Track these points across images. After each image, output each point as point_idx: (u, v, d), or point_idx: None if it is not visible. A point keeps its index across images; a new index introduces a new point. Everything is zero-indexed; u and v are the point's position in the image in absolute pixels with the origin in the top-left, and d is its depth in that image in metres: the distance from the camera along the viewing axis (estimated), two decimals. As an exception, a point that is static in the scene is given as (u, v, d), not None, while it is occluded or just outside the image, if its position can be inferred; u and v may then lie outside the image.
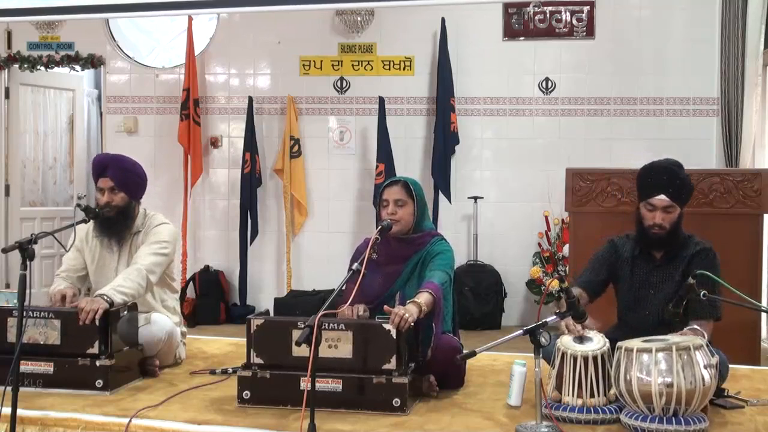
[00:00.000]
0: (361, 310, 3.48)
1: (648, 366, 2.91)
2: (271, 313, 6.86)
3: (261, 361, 3.29)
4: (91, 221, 3.85)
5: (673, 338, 3.03)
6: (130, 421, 3.09)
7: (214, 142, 7.63)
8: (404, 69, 7.41)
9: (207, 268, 7.47)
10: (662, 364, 2.89)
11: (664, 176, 3.37)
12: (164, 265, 3.86)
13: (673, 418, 2.88)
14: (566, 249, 6.28)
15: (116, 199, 3.81)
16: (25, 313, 3.07)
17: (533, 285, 7.04)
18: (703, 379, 2.87)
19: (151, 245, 3.81)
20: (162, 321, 3.86)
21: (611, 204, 4.96)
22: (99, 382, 3.44)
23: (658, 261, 3.46)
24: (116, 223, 3.83)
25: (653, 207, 3.37)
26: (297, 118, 7.43)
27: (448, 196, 7.16)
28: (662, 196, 3.36)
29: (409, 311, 3.19)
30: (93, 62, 7.72)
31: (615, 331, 3.48)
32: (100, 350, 3.46)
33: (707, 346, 2.99)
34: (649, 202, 3.37)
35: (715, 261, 3.39)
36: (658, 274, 3.45)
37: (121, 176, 3.82)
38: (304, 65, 7.51)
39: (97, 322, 3.42)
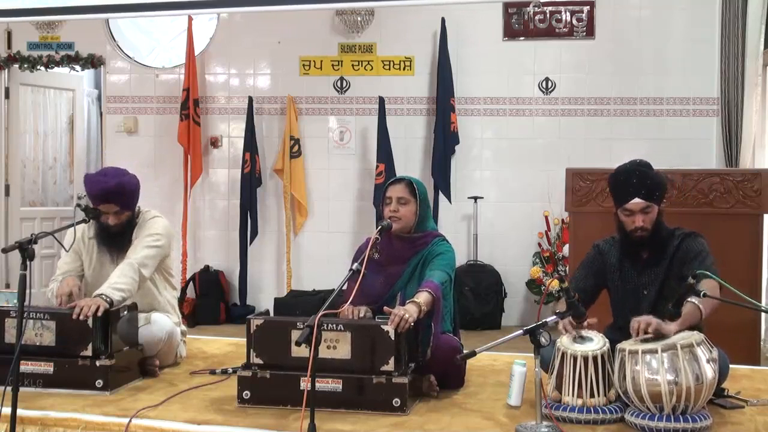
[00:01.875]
0: (363, 312, 3.48)
1: (655, 366, 2.93)
2: (271, 313, 6.86)
3: (261, 361, 3.29)
4: (86, 224, 3.85)
5: (674, 336, 3.04)
6: (130, 421, 3.09)
7: (214, 142, 7.63)
8: (404, 69, 7.41)
9: (207, 268, 7.47)
10: (668, 363, 2.92)
11: (633, 179, 3.34)
12: (158, 257, 3.85)
13: (681, 417, 2.91)
14: (566, 249, 6.28)
15: (122, 218, 3.81)
16: (25, 314, 3.07)
17: (533, 285, 7.04)
18: (707, 374, 2.92)
19: (144, 239, 3.81)
20: (162, 321, 3.86)
21: (611, 204, 4.90)
22: (99, 382, 3.44)
23: (645, 261, 3.44)
24: (123, 237, 3.84)
25: (630, 211, 3.35)
26: (297, 118, 7.43)
27: (448, 196, 7.16)
28: (637, 200, 3.33)
29: (408, 311, 3.19)
30: (93, 62, 7.72)
31: (611, 331, 3.47)
32: (94, 352, 3.45)
33: (706, 339, 3.02)
34: (626, 207, 3.35)
35: (699, 241, 3.37)
36: (647, 273, 3.44)
37: (124, 200, 3.80)
38: (304, 65, 7.51)
39: (89, 322, 3.42)
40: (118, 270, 3.70)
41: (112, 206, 3.78)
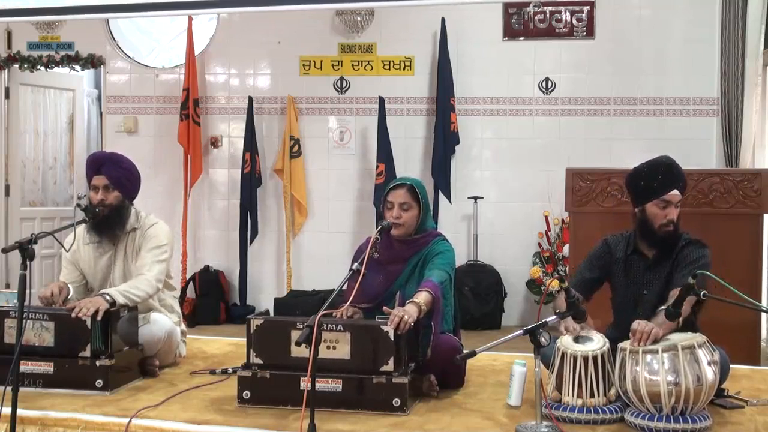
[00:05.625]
0: (351, 312, 3.48)
1: (655, 367, 2.93)
2: (271, 313, 6.86)
3: (261, 361, 3.29)
4: (82, 229, 3.84)
5: (675, 337, 3.04)
6: (130, 421, 3.09)
7: (214, 142, 7.63)
8: (404, 69, 7.41)
9: (207, 268, 7.47)
10: (668, 363, 2.91)
11: (673, 171, 3.40)
12: (166, 269, 3.88)
13: (680, 417, 2.91)
14: (566, 249, 6.27)
15: (110, 197, 3.79)
16: (24, 314, 3.07)
17: (533, 285, 7.04)
18: (707, 376, 2.92)
19: (152, 251, 3.81)
20: (162, 321, 3.86)
21: (611, 204, 4.96)
22: (99, 382, 3.44)
23: (651, 260, 3.46)
24: (110, 222, 3.80)
25: (667, 203, 3.37)
26: (297, 118, 7.42)
27: (448, 196, 7.16)
28: (675, 191, 3.38)
29: (408, 312, 3.19)
30: (93, 62, 7.72)
31: (612, 330, 3.48)
32: (93, 353, 3.45)
33: (708, 342, 3.02)
34: (664, 198, 3.36)
35: (701, 251, 3.38)
36: (650, 273, 3.46)
37: (117, 174, 3.81)
38: (304, 65, 7.51)
39: (88, 323, 3.42)
40: (135, 281, 3.71)
41: (102, 178, 3.78)
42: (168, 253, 3.88)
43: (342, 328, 3.21)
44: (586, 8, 7.20)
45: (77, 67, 7.84)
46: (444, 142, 7.10)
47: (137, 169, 3.95)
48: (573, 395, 3.09)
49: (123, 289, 3.62)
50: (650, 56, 7.13)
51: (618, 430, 3.01)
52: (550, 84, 7.26)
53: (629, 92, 7.15)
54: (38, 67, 7.72)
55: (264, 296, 7.49)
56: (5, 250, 3.26)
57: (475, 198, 7.20)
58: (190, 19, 7.30)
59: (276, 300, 7.22)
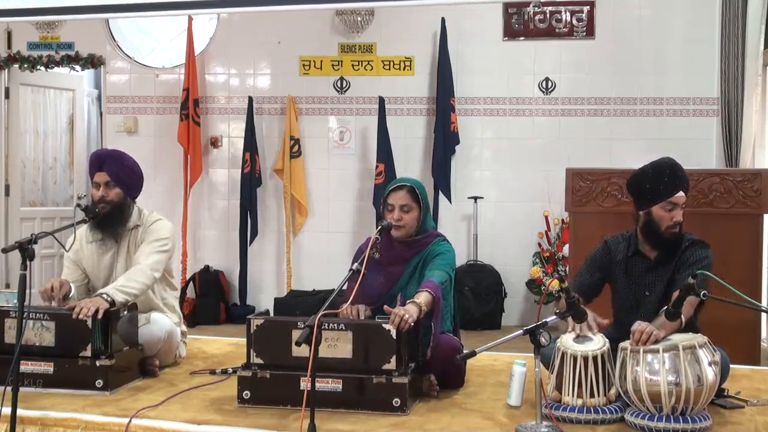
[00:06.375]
0: (362, 310, 3.48)
1: (656, 367, 2.93)
2: (271, 313, 6.86)
3: (261, 361, 3.29)
4: (85, 228, 3.84)
5: (676, 337, 3.04)
6: (130, 421, 3.09)
7: (214, 142, 7.63)
8: (404, 69, 7.41)
9: (207, 268, 7.47)
10: (669, 363, 2.91)
11: (677, 172, 3.39)
12: (165, 261, 3.86)
13: (680, 417, 2.92)
14: (566, 249, 6.28)
15: (111, 194, 3.79)
16: (24, 314, 3.07)
17: (533, 285, 7.04)
18: (708, 376, 2.92)
19: (152, 243, 3.81)
20: (162, 321, 3.86)
21: (611, 204, 4.96)
22: (99, 382, 3.44)
23: (653, 261, 3.46)
24: (111, 219, 3.80)
25: (674, 205, 3.36)
26: (297, 118, 7.43)
27: (448, 196, 7.16)
28: (681, 193, 3.38)
29: (408, 311, 3.19)
30: (93, 62, 7.72)
31: (612, 330, 3.47)
32: (93, 353, 3.45)
33: (709, 342, 3.02)
34: (671, 201, 3.35)
35: (704, 252, 3.38)
36: (652, 274, 3.45)
37: (118, 171, 3.80)
38: (304, 65, 7.51)
39: (89, 323, 3.42)
40: (129, 273, 3.70)
41: (104, 175, 3.78)
42: (169, 245, 3.86)
43: (343, 327, 3.21)
44: (586, 8, 7.20)
45: (77, 67, 7.84)
46: (444, 142, 7.10)
47: (140, 168, 3.95)
48: (573, 395, 3.09)
49: (119, 285, 3.61)
50: (650, 56, 7.14)
51: (618, 430, 3.01)
52: (550, 84, 7.26)
53: (629, 92, 7.15)
54: (38, 67, 7.72)
55: (264, 296, 7.49)
56: (5, 250, 3.26)
57: (475, 198, 7.20)
58: (190, 19, 7.31)
59: (276, 300, 7.22)
